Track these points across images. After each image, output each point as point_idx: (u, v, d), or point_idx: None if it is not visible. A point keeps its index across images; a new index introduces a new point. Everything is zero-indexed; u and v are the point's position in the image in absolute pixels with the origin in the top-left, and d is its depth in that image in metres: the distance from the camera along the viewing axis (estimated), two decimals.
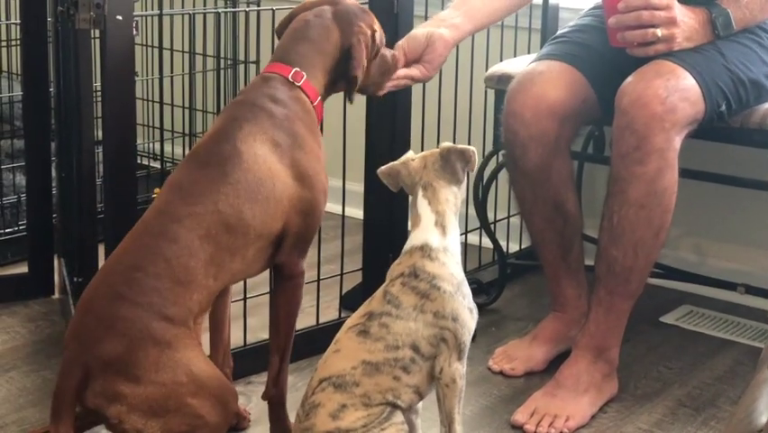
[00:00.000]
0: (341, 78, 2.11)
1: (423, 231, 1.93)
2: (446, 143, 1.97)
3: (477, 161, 1.95)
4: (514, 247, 3.19)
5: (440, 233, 1.92)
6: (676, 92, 2.29)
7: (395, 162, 1.99)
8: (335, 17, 2.10)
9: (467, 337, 1.91)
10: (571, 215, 2.56)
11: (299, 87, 2.04)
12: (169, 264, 1.85)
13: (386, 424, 1.87)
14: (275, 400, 2.15)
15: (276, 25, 2.20)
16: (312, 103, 2.06)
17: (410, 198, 1.99)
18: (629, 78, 2.34)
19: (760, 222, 2.99)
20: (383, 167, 2.01)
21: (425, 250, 1.91)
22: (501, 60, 3.01)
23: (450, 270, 1.92)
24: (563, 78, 2.49)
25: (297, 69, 2.05)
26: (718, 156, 2.69)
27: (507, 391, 2.50)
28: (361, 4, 2.17)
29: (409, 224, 2.01)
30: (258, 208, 1.93)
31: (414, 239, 1.94)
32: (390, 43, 2.33)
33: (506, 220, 3.19)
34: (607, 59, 2.50)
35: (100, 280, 1.89)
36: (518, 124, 2.48)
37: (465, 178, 1.96)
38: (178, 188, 1.93)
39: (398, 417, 1.89)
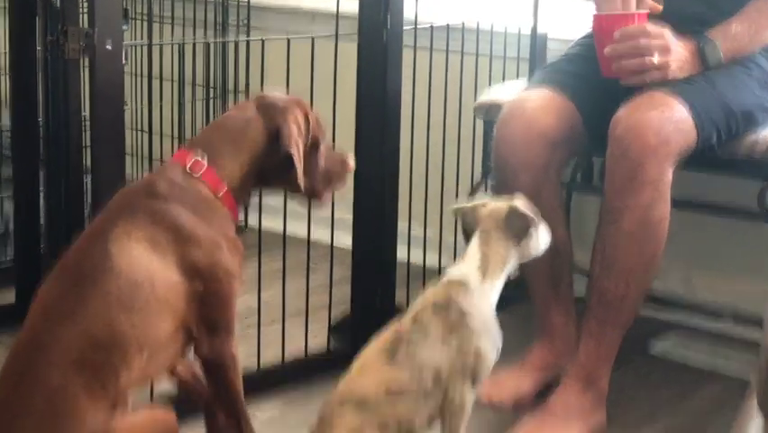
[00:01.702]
0: (276, 168, 2.00)
1: (464, 267, 1.99)
2: (517, 203, 2.01)
3: (539, 237, 2.02)
4: None
5: (480, 276, 1.98)
6: (670, 123, 2.30)
7: (468, 204, 2.06)
8: (258, 106, 2.01)
9: (485, 373, 1.97)
10: (560, 244, 2.55)
11: (198, 177, 1.94)
12: (47, 395, 1.76)
13: None
14: None
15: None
16: (216, 195, 1.95)
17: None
18: (623, 109, 2.35)
19: (748, 252, 3.00)
20: (456, 206, 2.09)
21: (461, 285, 1.97)
22: (490, 85, 3.01)
23: (481, 309, 1.97)
24: (553, 105, 2.49)
25: (198, 159, 1.95)
26: (706, 186, 2.69)
27: (494, 420, 2.49)
28: (348, 34, 2.16)
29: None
30: (136, 316, 1.82)
31: (454, 271, 2.00)
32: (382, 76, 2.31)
33: None
34: (595, 88, 2.51)
35: None
36: (508, 151, 2.48)
37: (526, 242, 2.01)
38: (43, 310, 1.83)
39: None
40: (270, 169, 2.00)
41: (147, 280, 1.84)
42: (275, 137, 1.97)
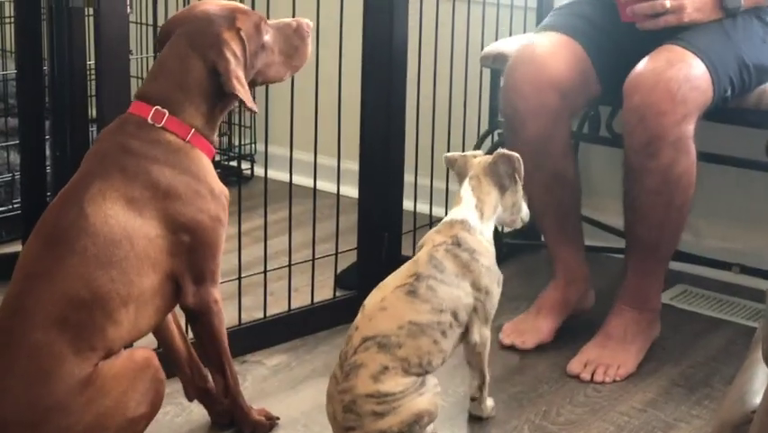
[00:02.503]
0: (227, 95, 1.96)
1: (463, 209, 2.12)
2: (500, 150, 2.14)
3: (521, 194, 2.16)
4: None
5: (478, 216, 2.11)
6: (687, 82, 2.30)
7: (460, 153, 2.20)
8: (189, 41, 1.94)
9: (493, 308, 2.12)
10: (570, 183, 2.58)
11: (162, 127, 1.93)
12: (30, 355, 1.79)
13: (422, 389, 1.97)
14: (232, 406, 2.14)
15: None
16: (184, 139, 1.93)
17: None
18: (639, 68, 2.34)
19: (755, 202, 2.99)
20: (449, 154, 2.22)
21: (464, 225, 2.10)
22: (497, 39, 3.00)
23: (486, 246, 2.11)
24: (564, 51, 2.48)
25: (158, 109, 1.92)
26: (714, 136, 2.68)
27: (513, 363, 2.53)
28: None
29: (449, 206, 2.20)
30: (115, 272, 1.83)
31: (454, 214, 2.12)
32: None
33: None
34: (608, 34, 2.50)
35: None
36: (518, 98, 2.47)
37: (515, 186, 2.14)
38: (23, 272, 1.85)
39: (432, 380, 2.00)
40: (227, 93, 1.96)
41: (125, 238, 1.84)
42: (216, 72, 1.93)
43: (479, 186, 2.13)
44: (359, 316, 2.03)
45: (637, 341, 2.49)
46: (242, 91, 1.94)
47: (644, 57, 2.37)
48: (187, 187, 1.92)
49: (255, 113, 2.04)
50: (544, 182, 2.55)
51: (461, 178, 2.17)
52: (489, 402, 2.25)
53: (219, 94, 1.95)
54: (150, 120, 1.92)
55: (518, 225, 2.23)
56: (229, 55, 1.93)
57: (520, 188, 2.16)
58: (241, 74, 1.95)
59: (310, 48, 2.10)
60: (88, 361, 1.82)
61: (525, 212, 2.20)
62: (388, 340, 1.96)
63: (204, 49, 1.93)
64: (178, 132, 1.93)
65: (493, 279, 2.11)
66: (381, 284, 2.07)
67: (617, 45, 2.47)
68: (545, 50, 2.48)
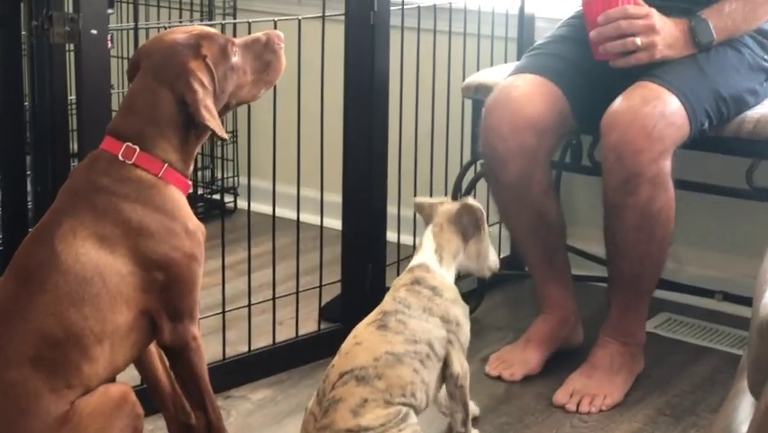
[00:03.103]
0: (199, 126, 1.93)
1: (422, 255, 2.16)
2: (467, 200, 2.20)
3: (485, 243, 2.19)
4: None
5: (437, 260, 2.15)
6: (663, 118, 2.32)
7: (428, 199, 2.26)
8: (155, 74, 1.91)
9: (465, 339, 2.13)
10: (553, 222, 2.60)
11: (133, 164, 1.90)
12: (5, 393, 1.77)
13: (403, 425, 1.94)
14: None
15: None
16: (157, 175, 1.90)
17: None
18: (615, 106, 2.36)
19: (736, 229, 3.00)
20: (417, 199, 2.27)
21: (423, 267, 2.13)
22: (478, 70, 3.01)
23: (448, 284, 2.14)
24: (539, 92, 2.50)
25: (129, 145, 1.90)
26: (695, 165, 2.69)
27: (499, 393, 2.53)
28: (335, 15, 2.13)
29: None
30: (88, 309, 1.81)
31: (414, 260, 2.16)
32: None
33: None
34: (582, 71, 2.52)
35: None
36: (497, 139, 2.49)
37: (479, 234, 2.18)
38: None
39: (413, 418, 1.98)
40: (198, 124, 1.93)
41: (97, 275, 1.83)
42: (185, 103, 1.90)
43: (440, 233, 2.16)
44: (336, 357, 2.03)
45: (623, 372, 2.49)
46: (213, 121, 1.91)
47: (620, 91, 2.39)
48: (160, 224, 1.89)
49: (225, 141, 2.01)
50: (528, 222, 2.57)
51: (427, 224, 2.21)
52: (474, 431, 2.25)
53: (191, 125, 1.93)
54: (120, 157, 1.90)
55: (486, 274, 2.25)
56: (196, 85, 1.90)
57: (486, 237, 2.19)
58: (210, 103, 1.92)
59: (284, 59, 2.06)
60: (64, 398, 1.80)
61: (492, 261, 2.23)
62: (365, 372, 1.95)
63: (170, 80, 1.91)
64: (149, 168, 1.91)
65: (460, 310, 2.13)
66: (349, 335, 2.08)
67: (593, 81, 2.50)
68: (521, 92, 2.50)
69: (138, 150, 1.90)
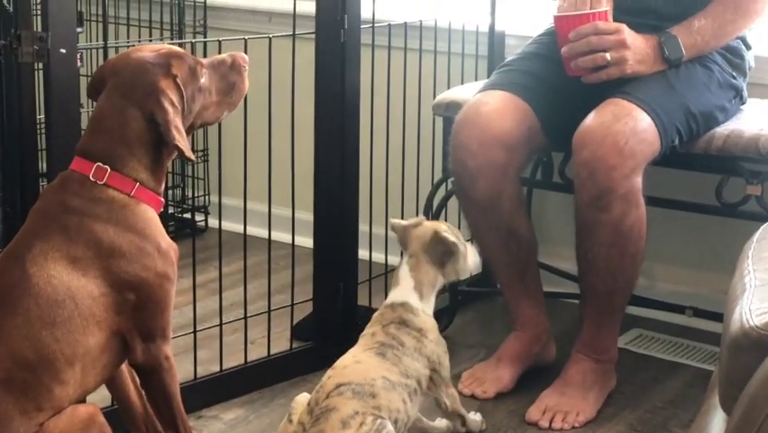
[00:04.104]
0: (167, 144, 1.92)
1: (402, 291, 2.21)
2: (440, 226, 2.23)
3: (461, 268, 2.25)
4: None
5: (418, 297, 2.21)
6: (634, 135, 2.34)
7: (403, 223, 2.28)
8: (124, 92, 1.90)
9: (448, 370, 2.24)
10: (524, 238, 2.60)
11: (105, 184, 1.88)
12: None
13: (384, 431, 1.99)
14: None
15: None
16: (129, 194, 1.89)
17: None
18: (587, 123, 2.38)
19: (706, 245, 3.02)
20: (394, 221, 2.30)
21: (406, 307, 2.19)
22: (449, 88, 3.02)
23: (431, 323, 2.21)
24: (508, 108, 2.51)
25: (99, 165, 1.88)
26: (665, 181, 2.71)
27: (472, 410, 2.48)
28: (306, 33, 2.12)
29: (391, 281, 2.28)
30: (60, 332, 1.80)
31: (394, 296, 2.21)
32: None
33: None
34: (552, 88, 2.54)
35: None
36: (466, 156, 2.50)
37: (456, 256, 2.22)
38: None
39: (390, 428, 2.01)
40: (162, 143, 1.92)
41: (68, 298, 1.81)
42: (155, 121, 1.89)
43: (417, 266, 2.22)
44: (330, 370, 2.05)
45: (595, 388, 2.49)
46: (182, 142, 1.90)
47: (591, 108, 2.40)
48: (131, 244, 1.88)
49: (192, 161, 1.99)
50: (499, 239, 2.57)
51: (402, 247, 2.26)
52: (475, 416, 2.36)
53: (161, 143, 1.92)
54: (92, 177, 1.88)
55: (468, 275, 2.35)
56: (167, 105, 1.89)
57: (460, 257, 2.22)
58: (179, 123, 1.91)
59: (247, 82, 2.06)
60: (35, 420, 1.79)
61: (472, 264, 2.28)
62: (362, 388, 1.99)
63: (140, 99, 1.89)
64: (121, 187, 1.89)
65: (441, 349, 2.21)
66: (345, 355, 2.13)
67: (563, 98, 2.51)
68: (490, 108, 2.51)
69: (109, 170, 1.89)
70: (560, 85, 2.51)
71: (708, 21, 2.48)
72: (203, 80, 1.97)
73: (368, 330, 2.19)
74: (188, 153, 1.92)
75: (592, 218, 2.37)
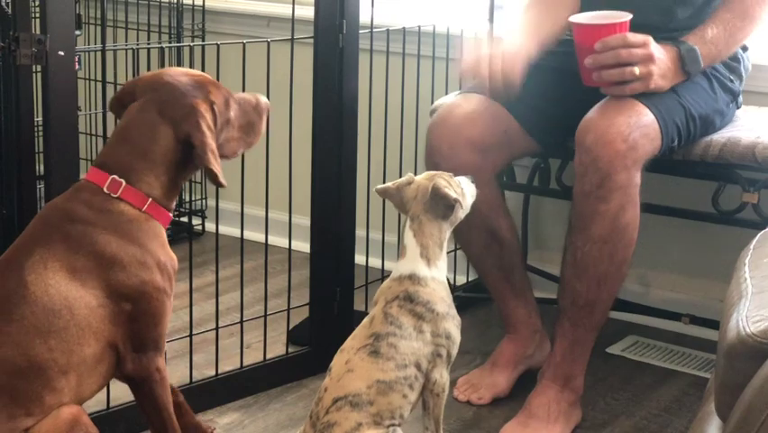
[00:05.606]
0: (191, 165, 1.95)
1: (409, 261, 2.08)
2: (438, 181, 2.08)
3: (463, 210, 2.10)
4: (460, 280, 3.19)
5: (425, 264, 2.07)
6: (637, 128, 2.32)
7: (390, 185, 2.13)
8: (159, 109, 1.91)
9: (456, 351, 2.09)
10: (506, 240, 2.60)
11: (117, 197, 1.89)
12: None
13: None
14: None
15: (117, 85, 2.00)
16: (140, 209, 1.90)
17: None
18: (591, 114, 2.36)
19: (703, 253, 3.02)
20: (380, 186, 2.14)
21: (413, 279, 2.06)
22: (447, 93, 3.02)
23: (440, 294, 2.07)
24: (481, 111, 2.52)
25: (115, 178, 1.89)
26: (662, 188, 2.71)
27: (467, 416, 2.52)
28: (304, 38, 2.13)
29: (397, 252, 2.13)
30: (54, 341, 1.80)
31: (401, 268, 2.08)
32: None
33: (452, 253, 3.18)
34: (534, 91, 2.48)
35: None
36: (438, 157, 2.51)
37: (454, 214, 2.09)
38: None
39: (399, 431, 2.01)
40: (190, 163, 1.94)
41: (65, 308, 1.81)
42: (187, 143, 1.90)
43: (420, 229, 2.07)
44: (326, 378, 2.03)
45: (560, 421, 2.41)
46: (216, 167, 1.91)
47: (587, 109, 2.38)
48: (132, 257, 1.88)
49: (224, 187, 1.96)
50: (480, 240, 2.57)
51: (400, 210, 2.13)
52: None
53: (183, 163, 1.93)
54: (105, 189, 1.89)
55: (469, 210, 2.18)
56: (204, 128, 1.90)
57: (458, 209, 2.10)
58: (215, 147, 1.92)
59: (264, 127, 2.09)
60: (22, 425, 1.78)
61: (472, 199, 2.16)
62: (359, 399, 1.97)
63: (176, 118, 1.90)
64: (134, 202, 1.90)
65: (452, 323, 2.08)
66: (343, 347, 2.06)
67: (553, 102, 2.50)
68: (463, 111, 2.52)
69: (124, 183, 1.90)
70: (544, 88, 2.50)
71: (720, 29, 2.45)
72: (232, 113, 2.00)
73: (372, 311, 2.09)
74: (221, 179, 1.93)
75: (590, 209, 2.33)
